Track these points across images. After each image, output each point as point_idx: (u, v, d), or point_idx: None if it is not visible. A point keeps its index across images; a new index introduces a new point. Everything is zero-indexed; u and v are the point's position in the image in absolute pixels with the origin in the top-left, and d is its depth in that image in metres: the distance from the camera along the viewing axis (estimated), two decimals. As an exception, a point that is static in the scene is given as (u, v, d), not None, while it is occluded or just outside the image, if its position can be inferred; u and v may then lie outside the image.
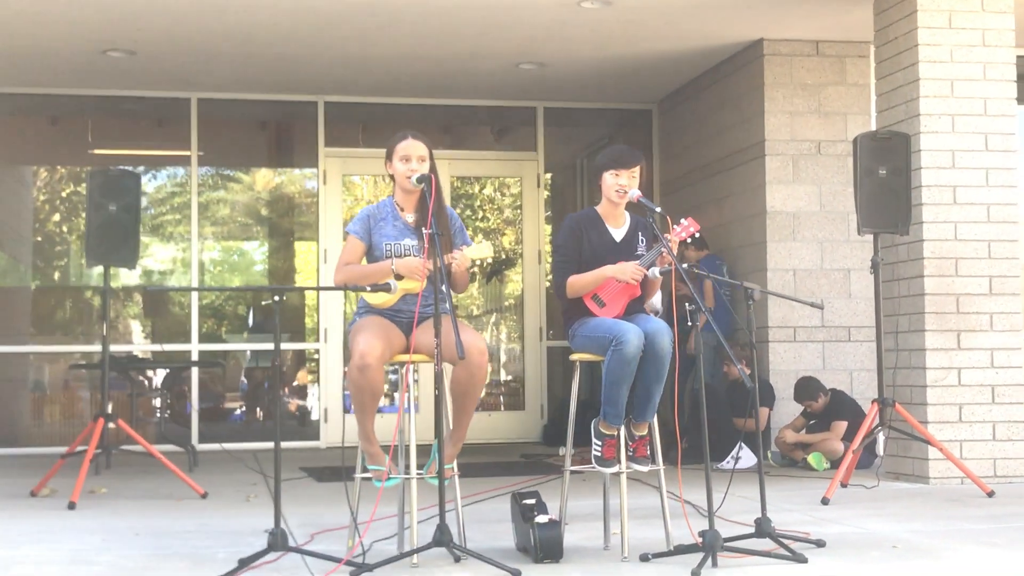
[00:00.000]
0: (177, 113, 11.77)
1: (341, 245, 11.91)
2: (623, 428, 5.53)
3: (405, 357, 5.42)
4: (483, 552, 5.26)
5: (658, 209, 5.53)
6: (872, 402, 7.90)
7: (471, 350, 5.22)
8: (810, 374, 9.75)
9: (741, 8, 9.39)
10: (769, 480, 8.35)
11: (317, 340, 11.92)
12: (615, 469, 5.51)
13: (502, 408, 12.56)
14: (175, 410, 11.67)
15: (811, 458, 9.21)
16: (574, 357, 5.71)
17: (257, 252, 12.63)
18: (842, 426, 9.33)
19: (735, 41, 10.29)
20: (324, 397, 11.88)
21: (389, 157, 5.64)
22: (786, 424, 9.58)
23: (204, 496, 7.94)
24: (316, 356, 11.99)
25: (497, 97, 12.13)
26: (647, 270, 5.54)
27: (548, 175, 12.70)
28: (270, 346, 12.22)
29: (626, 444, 5.54)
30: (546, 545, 5.31)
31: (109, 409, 8.12)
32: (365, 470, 5.55)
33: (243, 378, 12.23)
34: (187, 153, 11.77)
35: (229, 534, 6.35)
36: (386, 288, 5.34)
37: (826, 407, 9.47)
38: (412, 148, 5.58)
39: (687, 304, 5.28)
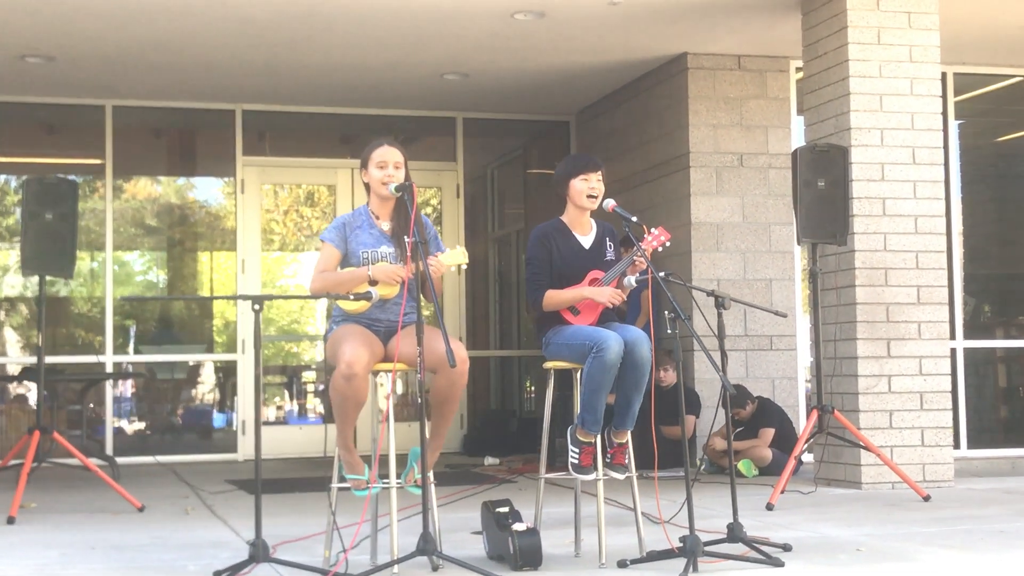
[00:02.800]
0: (89, 121, 11.56)
1: (260, 256, 11.88)
2: (599, 436, 5.58)
3: (387, 365, 5.41)
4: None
5: (634, 219, 5.60)
6: (812, 409, 8.06)
7: (456, 359, 5.23)
8: (735, 382, 9.90)
9: (668, 23, 9.52)
10: (703, 488, 8.49)
11: (234, 351, 11.78)
12: (592, 476, 5.55)
13: (415, 418, 12.49)
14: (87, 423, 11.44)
15: (741, 465, 9.36)
16: (548, 365, 5.75)
17: (166, 262, 12.43)
18: (770, 433, 9.50)
19: (659, 55, 10.43)
20: (242, 409, 11.74)
21: (364, 165, 5.63)
22: (714, 431, 9.72)
23: (141, 509, 7.81)
24: (224, 367, 11.87)
25: (418, 107, 12.13)
26: (624, 281, 5.61)
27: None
28: (187, 357, 12.12)
29: (603, 451, 5.59)
30: (526, 553, 5.33)
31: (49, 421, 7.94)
32: (342, 479, 5.51)
33: (117, 390, 11.89)
34: (98, 161, 11.57)
35: (188, 547, 6.26)
36: (367, 297, 5.34)
37: (753, 414, 9.64)
38: (388, 154, 5.58)
39: (666, 312, 5.35)
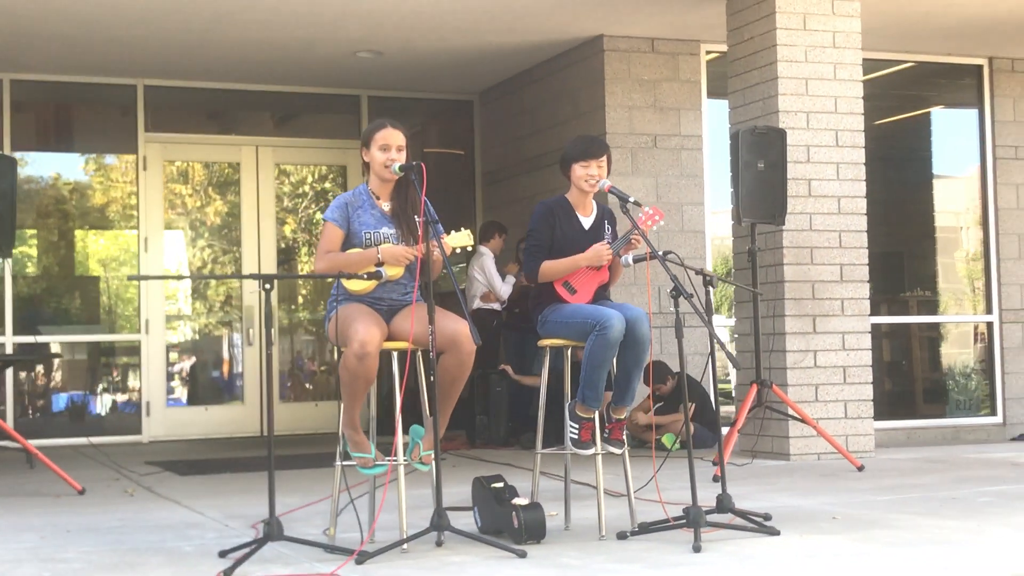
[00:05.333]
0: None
1: (163, 234, 11.69)
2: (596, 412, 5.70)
3: (398, 344, 5.44)
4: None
5: (631, 199, 5.73)
6: (751, 383, 8.31)
7: (463, 338, 5.31)
8: (654, 359, 10.11)
9: (591, 4, 9.65)
10: (635, 461, 8.68)
11: (137, 332, 11.59)
12: (591, 451, 5.67)
13: (323, 397, 12.47)
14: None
15: (664, 438, 9.59)
16: (545, 343, 5.84)
17: (65, 240, 12.13)
18: (690, 407, 9.73)
19: (576, 36, 10.56)
20: (147, 390, 11.56)
21: (366, 145, 5.66)
22: (635, 406, 9.91)
23: (82, 492, 7.69)
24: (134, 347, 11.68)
25: (323, 85, 12.07)
26: (617, 254, 5.75)
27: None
28: (90, 338, 11.86)
29: (601, 426, 5.71)
30: (531, 527, 5.42)
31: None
32: (347, 457, 5.54)
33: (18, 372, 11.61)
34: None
35: (164, 528, 6.19)
36: (377, 276, 5.36)
37: (674, 389, 9.87)
38: (391, 137, 5.62)
39: (668, 290, 5.51)
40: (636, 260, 5.80)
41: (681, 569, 4.85)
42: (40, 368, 11.61)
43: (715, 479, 7.63)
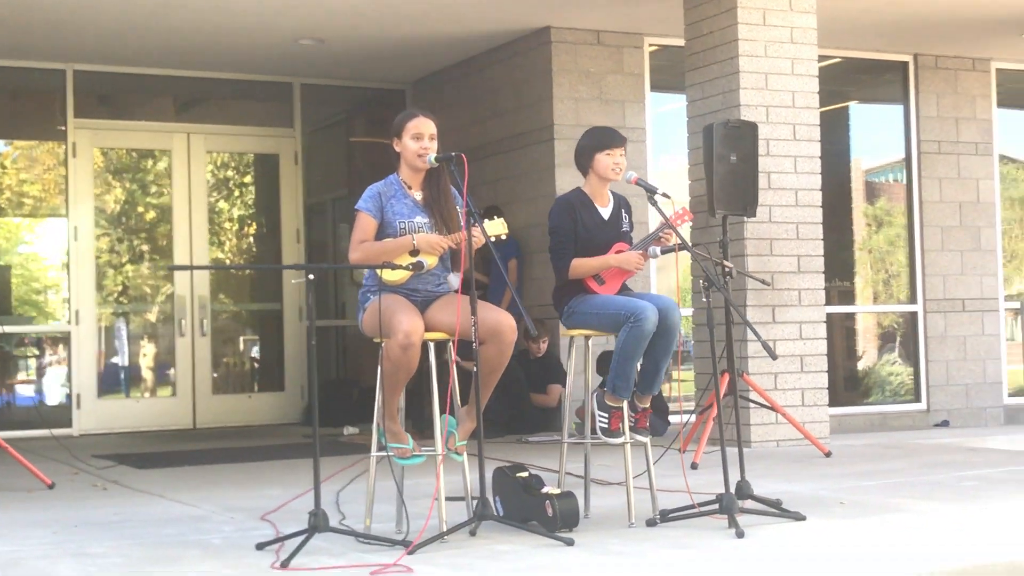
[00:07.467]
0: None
1: (93, 221, 11.42)
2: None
3: (433, 335, 5.41)
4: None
5: (659, 191, 5.79)
6: (722, 372, 8.42)
7: (505, 328, 5.33)
8: (606, 349, 10.21)
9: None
10: (601, 450, 8.77)
11: (67, 322, 11.33)
12: (621, 440, 5.73)
13: (256, 389, 12.33)
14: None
15: (619, 428, 9.69)
16: (572, 333, 5.88)
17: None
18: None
19: (523, 27, 10.59)
20: (77, 382, 11.30)
21: (397, 134, 5.63)
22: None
23: (52, 487, 7.52)
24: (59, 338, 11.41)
25: (257, 72, 11.90)
26: (648, 251, 5.82)
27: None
28: (17, 329, 11.54)
29: (628, 415, 5.78)
30: (566, 515, 5.45)
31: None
32: (381, 448, 5.51)
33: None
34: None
35: (172, 522, 6.09)
36: (419, 266, 5.35)
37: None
38: (424, 126, 5.60)
39: (701, 281, 5.58)
40: (664, 252, 5.86)
41: (739, 552, 4.95)
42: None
43: (693, 466, 7.78)
